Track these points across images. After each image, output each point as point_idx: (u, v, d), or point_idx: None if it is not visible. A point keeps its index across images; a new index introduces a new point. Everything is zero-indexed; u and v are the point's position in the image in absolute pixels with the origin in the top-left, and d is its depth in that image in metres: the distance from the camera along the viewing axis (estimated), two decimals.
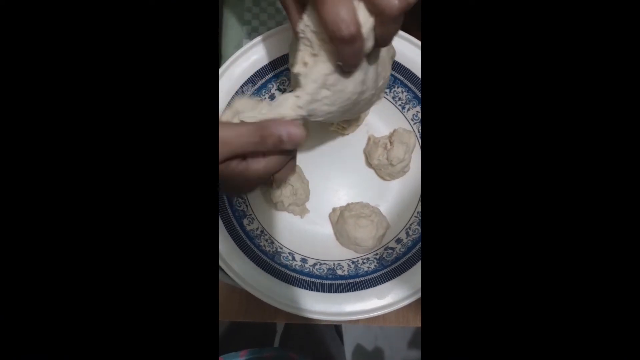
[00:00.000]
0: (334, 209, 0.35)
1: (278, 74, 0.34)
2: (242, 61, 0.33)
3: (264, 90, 0.35)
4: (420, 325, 0.37)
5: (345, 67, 0.20)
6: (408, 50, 0.33)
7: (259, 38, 0.33)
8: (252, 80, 0.34)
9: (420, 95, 0.34)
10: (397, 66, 0.34)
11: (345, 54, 0.18)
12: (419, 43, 0.33)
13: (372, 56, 0.22)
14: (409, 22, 0.37)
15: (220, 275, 0.35)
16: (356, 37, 0.17)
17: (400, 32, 0.33)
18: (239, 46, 0.39)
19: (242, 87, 0.33)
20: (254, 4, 0.40)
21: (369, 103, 0.27)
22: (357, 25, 0.17)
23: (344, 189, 0.36)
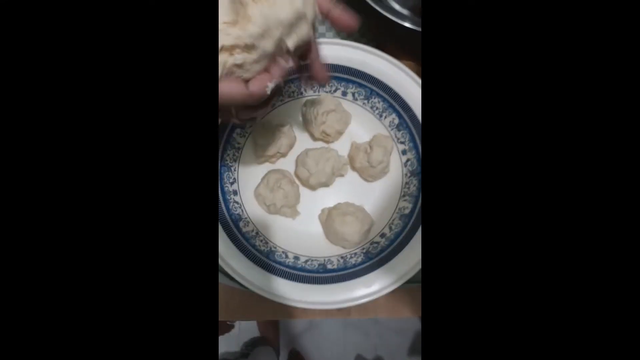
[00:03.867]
0: (322, 210, 0.39)
1: None
2: None
3: None
4: (409, 315, 0.39)
5: None
6: (382, 65, 0.38)
7: None
8: None
9: (394, 104, 0.38)
10: (372, 80, 0.38)
11: None
12: (391, 58, 0.37)
13: None
14: (382, 42, 0.42)
15: (220, 277, 0.37)
16: None
17: (377, 51, 0.37)
18: None
19: None
20: None
21: None
22: None
23: (331, 192, 0.40)
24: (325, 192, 0.39)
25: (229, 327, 0.95)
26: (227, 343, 0.97)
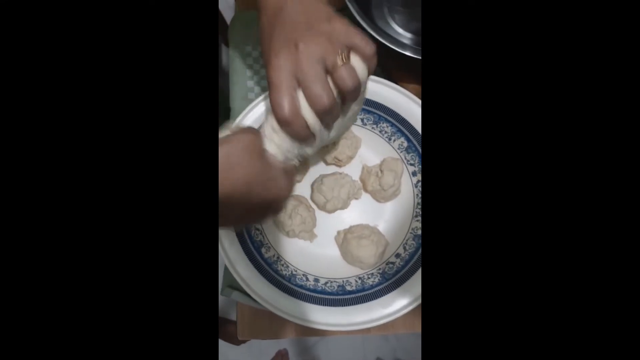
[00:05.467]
0: (338, 232, 0.40)
1: None
2: (252, 115, 0.39)
3: None
4: None
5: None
6: (388, 92, 0.39)
7: (263, 96, 0.39)
8: None
9: (402, 128, 0.40)
10: (379, 107, 0.40)
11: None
12: (396, 86, 0.39)
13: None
14: (388, 65, 0.43)
15: (246, 299, 0.40)
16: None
17: (383, 80, 0.39)
18: (244, 98, 0.46)
19: None
20: (254, 62, 0.47)
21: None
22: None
23: (346, 213, 0.41)
24: (341, 214, 0.41)
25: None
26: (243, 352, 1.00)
